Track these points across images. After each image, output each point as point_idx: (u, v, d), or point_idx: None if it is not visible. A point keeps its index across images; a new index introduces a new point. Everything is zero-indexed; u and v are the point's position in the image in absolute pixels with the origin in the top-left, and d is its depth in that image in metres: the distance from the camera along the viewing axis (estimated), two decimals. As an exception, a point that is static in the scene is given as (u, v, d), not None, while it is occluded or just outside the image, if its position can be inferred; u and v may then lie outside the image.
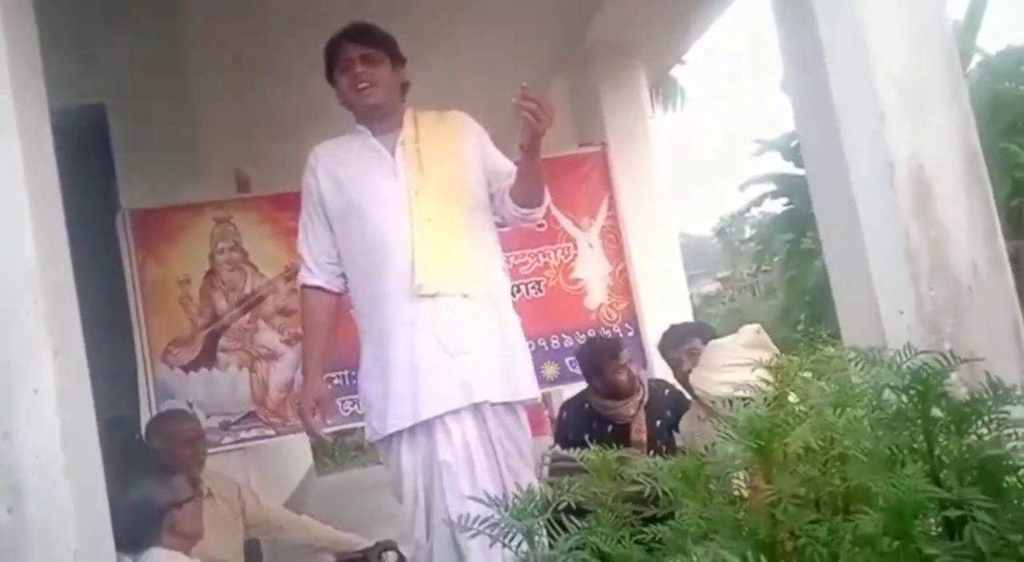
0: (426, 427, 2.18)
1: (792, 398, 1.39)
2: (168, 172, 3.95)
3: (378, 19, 2.47)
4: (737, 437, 1.14)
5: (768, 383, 1.47)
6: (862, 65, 2.04)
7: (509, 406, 2.24)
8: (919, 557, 0.88)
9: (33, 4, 1.90)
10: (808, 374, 1.46)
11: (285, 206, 3.73)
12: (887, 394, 1.29)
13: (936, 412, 1.00)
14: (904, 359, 1.08)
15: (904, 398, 1.01)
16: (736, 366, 2.07)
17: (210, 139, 4.72)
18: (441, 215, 2.23)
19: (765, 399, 1.27)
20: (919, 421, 1.01)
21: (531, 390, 2.33)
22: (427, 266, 2.18)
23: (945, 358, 1.03)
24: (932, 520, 0.95)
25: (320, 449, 10.60)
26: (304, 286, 2.39)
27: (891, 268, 2.02)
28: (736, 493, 1.35)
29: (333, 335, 2.44)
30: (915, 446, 1.02)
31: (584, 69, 4.33)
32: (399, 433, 2.20)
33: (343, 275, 2.37)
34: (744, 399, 1.29)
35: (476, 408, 2.18)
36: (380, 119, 2.34)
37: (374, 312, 2.26)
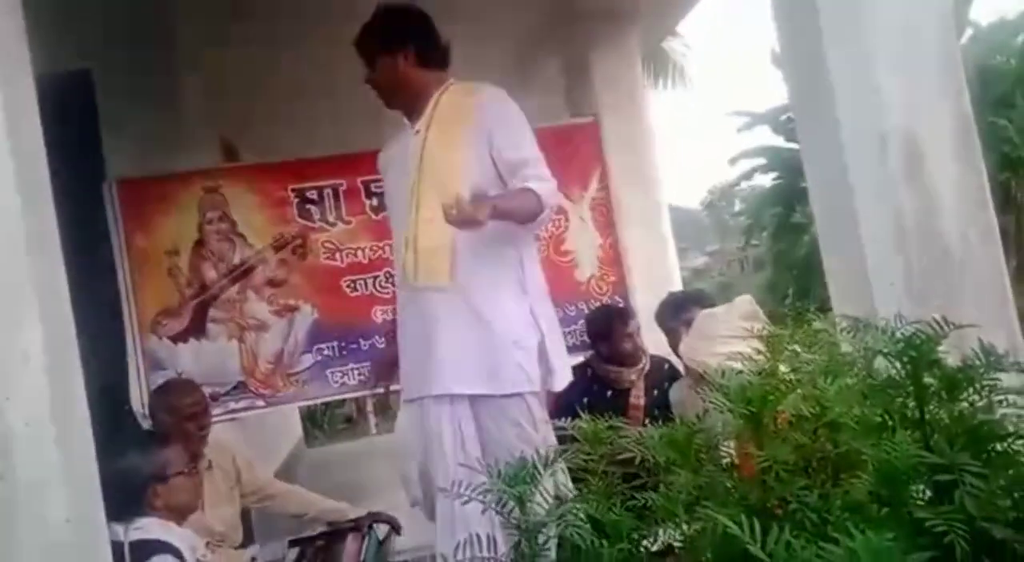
0: (426, 401, 2.26)
1: (783, 367, 1.40)
2: (153, 141, 3.91)
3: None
4: (729, 405, 1.15)
5: (760, 353, 1.48)
6: (856, 35, 2.03)
7: (490, 399, 2.22)
8: (910, 521, 0.88)
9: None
10: (799, 344, 1.47)
11: (274, 176, 3.71)
12: (878, 362, 1.30)
13: (928, 379, 1.01)
14: (896, 328, 1.08)
15: (897, 365, 1.01)
16: (731, 337, 2.08)
17: (196, 108, 4.66)
18: (431, 204, 2.17)
19: (758, 368, 1.28)
20: (911, 388, 1.02)
21: (518, 384, 2.23)
22: (416, 260, 2.25)
23: (938, 324, 1.04)
24: (923, 486, 0.96)
25: (310, 420, 10.62)
26: None
27: (882, 239, 2.02)
28: (726, 461, 1.37)
29: None
30: (906, 413, 1.02)
31: (576, 38, 4.29)
32: (409, 402, 2.33)
33: None
34: (737, 370, 1.29)
35: (454, 397, 2.22)
36: (409, 102, 2.39)
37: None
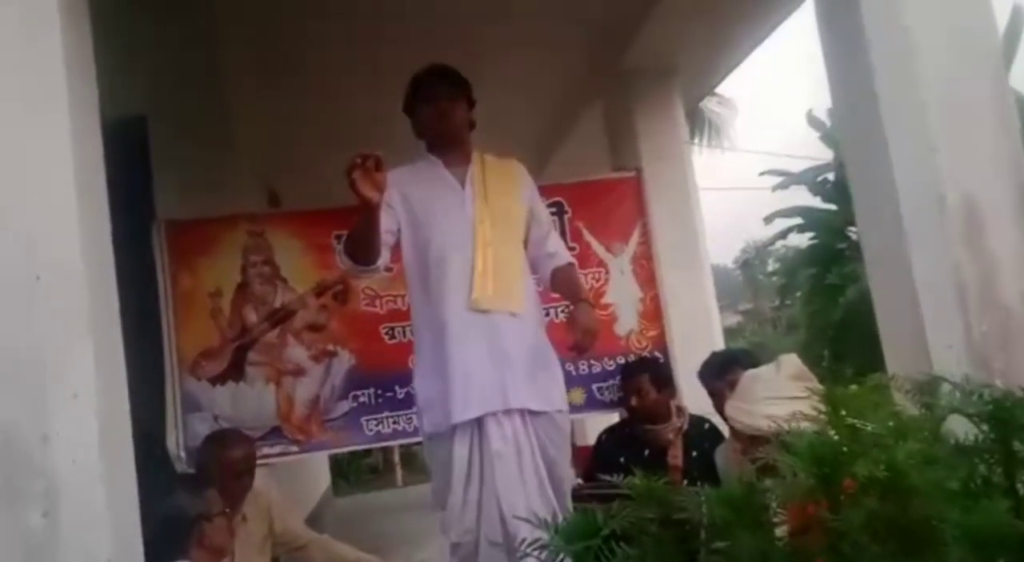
0: (476, 424, 2.42)
1: (847, 428, 1.35)
2: (201, 186, 3.98)
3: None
4: (798, 465, 1.11)
5: (820, 413, 1.43)
6: (912, 96, 2.02)
7: (548, 416, 2.51)
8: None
9: (89, 15, 1.92)
10: (860, 403, 1.42)
11: (317, 222, 3.74)
12: (946, 425, 1.25)
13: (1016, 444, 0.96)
14: (976, 389, 1.04)
15: (984, 428, 0.97)
16: (779, 398, 2.02)
17: (243, 155, 4.76)
18: (498, 243, 2.53)
19: (826, 426, 1.23)
20: (995, 453, 0.97)
21: (562, 403, 2.60)
22: (485, 286, 2.46)
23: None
24: (1012, 558, 0.91)
25: (335, 469, 10.55)
26: None
27: (940, 300, 1.98)
28: (783, 525, 1.31)
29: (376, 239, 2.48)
30: (991, 479, 0.98)
31: (620, 93, 4.33)
32: (451, 430, 2.41)
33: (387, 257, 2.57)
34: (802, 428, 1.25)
35: (520, 413, 2.44)
36: (451, 150, 2.63)
37: (432, 321, 2.52)
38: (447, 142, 2.63)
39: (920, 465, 1.14)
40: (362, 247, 2.44)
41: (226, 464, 2.83)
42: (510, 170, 2.73)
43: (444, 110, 2.58)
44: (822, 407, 1.43)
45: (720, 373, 2.89)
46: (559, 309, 3.84)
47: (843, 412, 1.39)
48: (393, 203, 2.53)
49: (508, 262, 2.55)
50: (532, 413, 2.47)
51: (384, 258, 2.52)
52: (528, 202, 2.71)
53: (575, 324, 2.51)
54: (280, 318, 3.62)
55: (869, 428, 1.31)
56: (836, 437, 1.26)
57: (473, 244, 2.50)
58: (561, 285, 2.79)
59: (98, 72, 1.94)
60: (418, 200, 2.57)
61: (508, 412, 2.43)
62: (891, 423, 1.28)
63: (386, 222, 2.47)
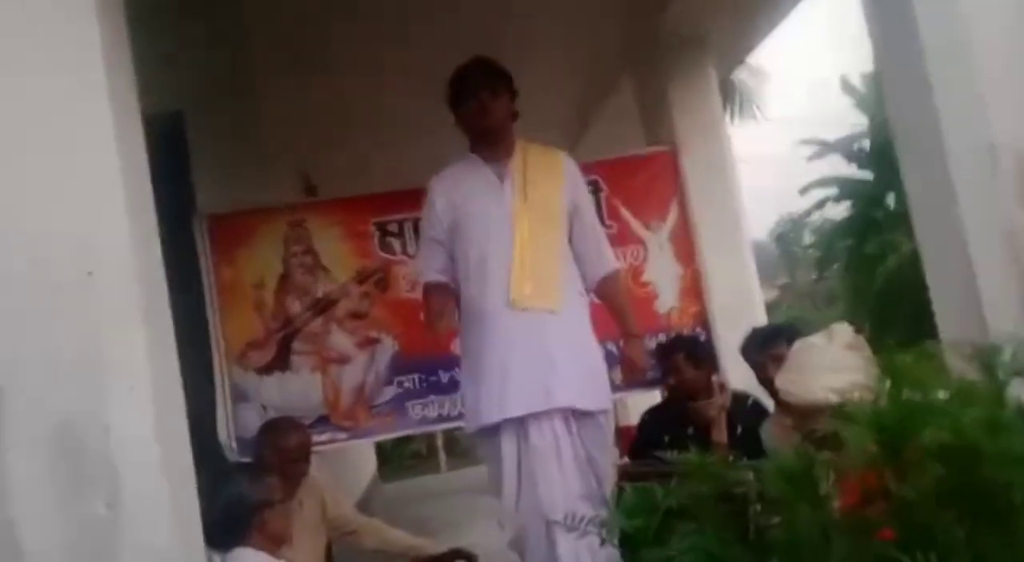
0: (520, 423, 2.42)
1: (909, 395, 1.32)
2: (239, 177, 4.02)
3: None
4: (863, 435, 1.09)
5: (879, 382, 1.41)
6: (962, 48, 1.95)
7: (591, 417, 2.50)
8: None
9: (124, 12, 1.93)
10: (921, 373, 1.39)
11: (355, 209, 3.77)
12: (1009, 389, 1.22)
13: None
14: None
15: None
16: (834, 368, 1.99)
17: (279, 145, 4.79)
18: (538, 239, 2.53)
19: (886, 396, 1.21)
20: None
21: (606, 402, 2.60)
22: (523, 284, 2.46)
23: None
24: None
25: (380, 455, 10.67)
26: (427, 283, 2.67)
27: (994, 259, 1.92)
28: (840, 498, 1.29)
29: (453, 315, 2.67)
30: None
31: (654, 67, 4.26)
32: (496, 426, 2.44)
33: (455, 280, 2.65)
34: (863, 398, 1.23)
35: (562, 414, 2.43)
36: (495, 143, 2.63)
37: (473, 321, 2.55)
38: (489, 137, 2.63)
39: (986, 431, 1.11)
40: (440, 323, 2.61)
41: (283, 451, 2.88)
42: (553, 162, 2.71)
43: (485, 105, 2.58)
44: (881, 377, 1.41)
45: (763, 347, 2.85)
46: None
47: (903, 381, 1.37)
48: (441, 215, 2.61)
49: (547, 259, 2.54)
50: (576, 414, 2.46)
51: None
52: (570, 194, 2.68)
53: (626, 361, 2.64)
54: (323, 307, 3.65)
55: (931, 396, 1.28)
56: (898, 406, 1.24)
57: (511, 243, 2.51)
58: (609, 302, 2.81)
59: (136, 69, 1.95)
60: (461, 203, 2.60)
61: (550, 413, 2.42)
62: (954, 390, 1.26)
63: (440, 260, 2.62)
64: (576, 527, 1.19)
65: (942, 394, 1.26)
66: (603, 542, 1.17)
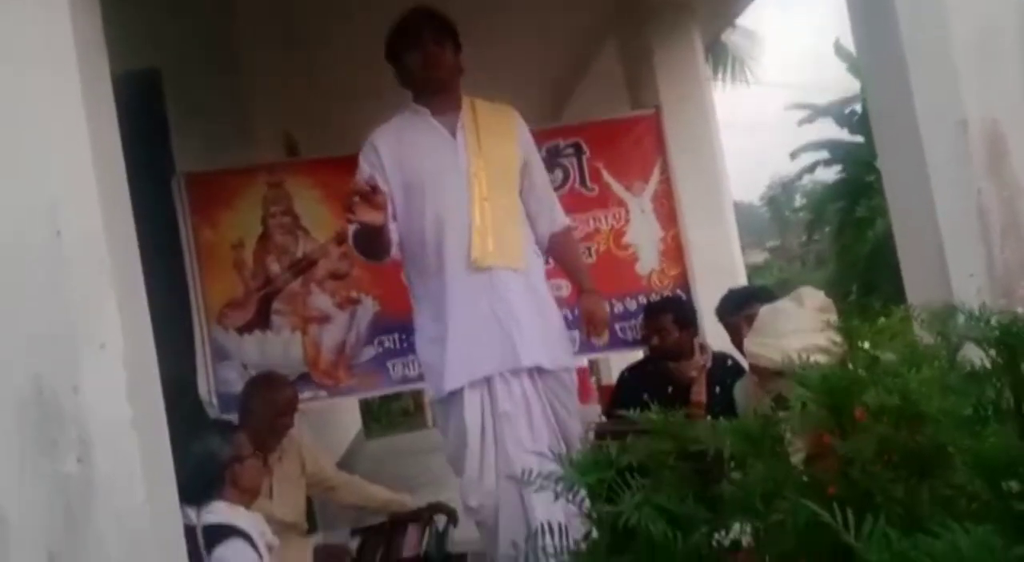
0: (486, 385, 2.36)
1: (862, 358, 1.35)
2: (219, 136, 3.98)
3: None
4: (809, 396, 1.11)
5: (837, 345, 1.43)
6: (935, 21, 1.96)
7: (555, 375, 2.45)
8: (1009, 515, 0.84)
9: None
10: (878, 335, 1.42)
11: (336, 170, 3.73)
12: (962, 353, 1.25)
13: (1025, 369, 0.96)
14: (988, 315, 1.04)
15: (992, 353, 0.97)
16: (799, 331, 2.02)
17: (259, 104, 4.74)
18: (496, 196, 2.42)
19: (835, 360, 1.24)
20: (1004, 378, 0.97)
21: (570, 360, 2.60)
22: (484, 242, 2.36)
23: (1034, 314, 0.99)
24: (1016, 481, 0.92)
25: (367, 413, 10.75)
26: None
27: (961, 228, 1.95)
28: (800, 455, 1.33)
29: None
30: (1000, 405, 0.98)
31: (638, 30, 4.23)
32: (459, 392, 2.35)
33: (399, 243, 2.47)
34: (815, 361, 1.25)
35: (528, 371, 2.39)
36: (440, 98, 2.47)
37: (430, 281, 2.44)
38: (436, 89, 2.47)
39: (932, 393, 1.14)
40: (372, 248, 2.39)
41: (273, 403, 2.94)
42: (504, 115, 2.58)
43: (431, 55, 2.43)
44: (840, 339, 1.43)
45: (737, 309, 2.89)
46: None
47: (860, 343, 1.40)
48: (386, 173, 2.40)
49: (507, 215, 2.45)
50: (541, 371, 2.40)
51: (395, 249, 2.44)
52: (523, 149, 2.57)
53: (585, 315, 2.55)
54: (303, 267, 3.66)
55: (885, 358, 1.31)
56: (852, 368, 1.26)
57: (469, 199, 2.38)
58: (562, 259, 2.74)
59: (109, 26, 1.93)
60: (409, 160, 2.43)
61: (516, 371, 2.36)
62: (905, 353, 1.28)
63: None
64: (532, 483, 1.21)
65: (893, 357, 1.29)
66: (556, 498, 1.20)
